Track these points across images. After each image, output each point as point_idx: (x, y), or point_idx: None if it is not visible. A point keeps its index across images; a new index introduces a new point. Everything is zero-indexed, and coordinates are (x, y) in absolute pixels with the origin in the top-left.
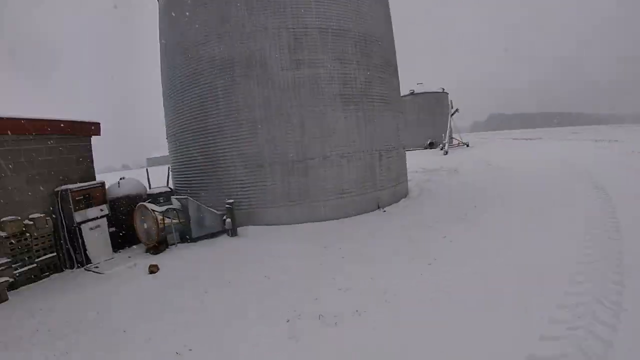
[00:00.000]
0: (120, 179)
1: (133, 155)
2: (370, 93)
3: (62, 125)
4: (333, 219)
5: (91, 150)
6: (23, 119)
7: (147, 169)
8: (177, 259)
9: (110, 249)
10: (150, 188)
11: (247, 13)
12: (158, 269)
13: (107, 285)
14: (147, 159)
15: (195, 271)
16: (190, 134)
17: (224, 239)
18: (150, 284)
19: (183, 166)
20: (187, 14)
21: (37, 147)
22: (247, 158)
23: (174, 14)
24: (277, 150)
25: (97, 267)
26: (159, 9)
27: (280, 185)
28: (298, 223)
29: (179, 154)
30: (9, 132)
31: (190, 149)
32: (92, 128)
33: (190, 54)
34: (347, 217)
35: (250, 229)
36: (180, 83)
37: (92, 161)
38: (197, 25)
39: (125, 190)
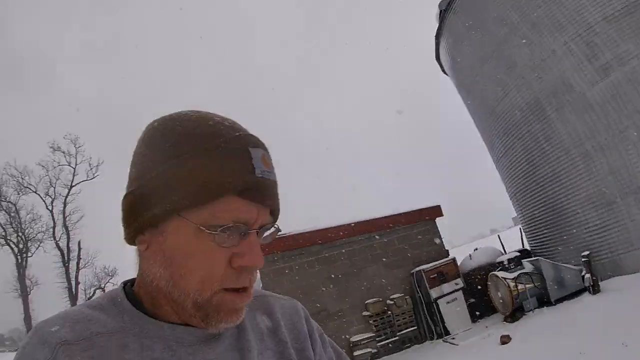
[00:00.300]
0: (474, 249)
1: (496, 217)
2: None
3: (409, 216)
4: None
5: (437, 231)
6: (375, 219)
7: (519, 228)
8: (530, 327)
9: (469, 319)
10: (505, 253)
11: (529, 50)
12: (510, 339)
13: (460, 356)
14: (512, 218)
15: (547, 341)
16: (523, 190)
17: (584, 298)
18: (499, 355)
19: (529, 223)
20: (477, 77)
21: (389, 239)
22: (590, 197)
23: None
24: (624, 179)
25: (454, 338)
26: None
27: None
28: None
29: (523, 211)
30: (362, 232)
31: (530, 205)
32: (434, 211)
33: (496, 110)
34: None
35: (616, 280)
36: (500, 142)
37: (440, 240)
38: (490, 83)
39: (476, 261)
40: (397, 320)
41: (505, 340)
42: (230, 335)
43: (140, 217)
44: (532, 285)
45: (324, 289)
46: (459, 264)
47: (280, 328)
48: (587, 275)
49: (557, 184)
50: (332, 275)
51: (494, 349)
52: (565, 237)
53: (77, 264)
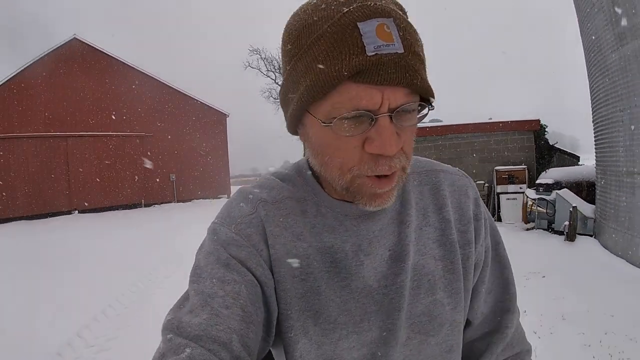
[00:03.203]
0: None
1: None
2: None
3: (508, 125)
4: None
5: (533, 141)
6: (478, 123)
7: None
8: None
9: (519, 217)
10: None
11: None
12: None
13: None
14: None
15: None
16: None
17: (563, 242)
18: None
19: None
20: None
21: (487, 140)
22: None
23: None
24: None
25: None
26: None
27: None
28: None
29: None
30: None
31: None
32: (533, 124)
33: None
34: None
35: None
36: None
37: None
38: None
39: (547, 177)
40: None
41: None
42: (393, 209)
43: (287, 112)
44: (544, 210)
45: None
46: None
47: (446, 206)
48: (566, 223)
49: None
50: (441, 158)
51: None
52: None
53: None
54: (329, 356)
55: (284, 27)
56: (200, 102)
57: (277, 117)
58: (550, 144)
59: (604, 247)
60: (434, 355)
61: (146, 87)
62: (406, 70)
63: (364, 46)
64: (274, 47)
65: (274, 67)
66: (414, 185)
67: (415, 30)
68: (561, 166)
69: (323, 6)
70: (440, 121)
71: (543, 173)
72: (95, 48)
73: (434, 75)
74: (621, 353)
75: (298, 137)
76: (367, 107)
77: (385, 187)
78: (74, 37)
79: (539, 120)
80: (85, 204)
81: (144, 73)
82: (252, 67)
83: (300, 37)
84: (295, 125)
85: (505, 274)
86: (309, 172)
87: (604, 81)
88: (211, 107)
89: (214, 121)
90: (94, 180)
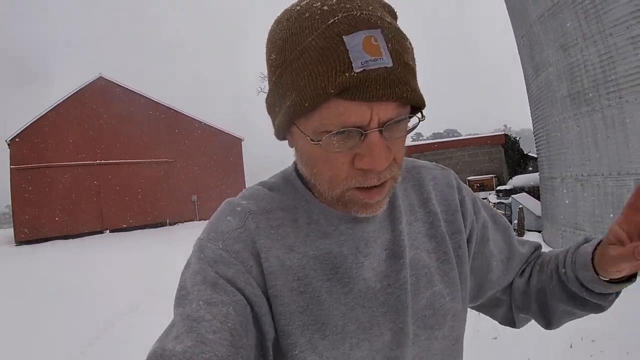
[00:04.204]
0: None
1: None
2: None
3: (478, 140)
4: None
5: (502, 154)
6: (453, 140)
7: None
8: None
9: None
10: None
11: None
12: None
13: None
14: None
15: None
16: None
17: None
18: None
19: None
20: None
21: (461, 154)
22: None
23: None
24: None
25: None
26: None
27: None
28: None
29: None
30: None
31: None
32: (498, 138)
33: None
34: None
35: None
36: None
37: (502, 161)
38: None
39: (512, 184)
40: None
41: None
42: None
43: (274, 121)
44: (503, 212)
45: None
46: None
47: (431, 200)
48: (515, 221)
49: None
50: None
51: None
52: None
53: None
54: None
55: (268, 32)
56: (217, 129)
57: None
58: (525, 153)
59: (544, 240)
60: (442, 349)
61: (168, 118)
62: (395, 85)
63: (351, 62)
64: None
65: None
66: (399, 184)
67: (404, 37)
68: (537, 172)
69: (307, 15)
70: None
71: (510, 180)
72: (119, 85)
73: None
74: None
75: (286, 142)
76: (355, 124)
77: (376, 198)
78: (100, 76)
79: (504, 135)
80: (115, 224)
81: (164, 105)
82: (264, 92)
83: (284, 47)
84: (283, 134)
85: (509, 239)
86: (298, 180)
87: (533, 103)
88: (227, 133)
89: (229, 145)
90: (122, 202)
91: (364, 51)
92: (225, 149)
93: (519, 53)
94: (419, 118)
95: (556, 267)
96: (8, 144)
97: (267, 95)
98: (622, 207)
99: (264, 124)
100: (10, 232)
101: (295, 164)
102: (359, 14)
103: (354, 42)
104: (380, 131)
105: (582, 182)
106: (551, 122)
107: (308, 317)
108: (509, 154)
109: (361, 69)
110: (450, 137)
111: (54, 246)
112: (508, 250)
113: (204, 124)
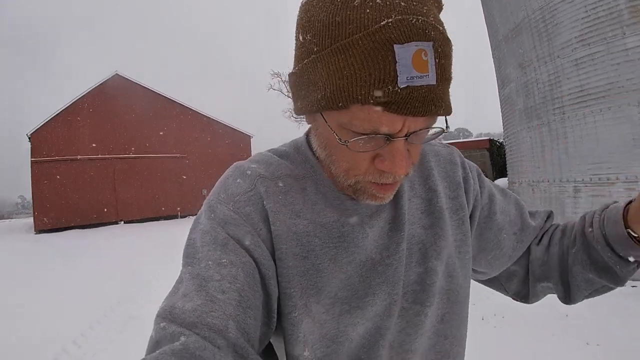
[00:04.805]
0: None
1: None
2: None
3: (465, 144)
4: None
5: (487, 157)
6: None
7: None
8: None
9: None
10: None
11: None
12: None
13: None
14: None
15: None
16: None
17: None
18: None
19: None
20: None
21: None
22: None
23: None
24: None
25: None
26: None
27: None
28: None
29: None
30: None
31: None
32: (483, 142)
33: None
34: None
35: None
36: None
37: (487, 165)
38: None
39: None
40: None
41: None
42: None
43: (296, 102)
44: None
45: None
46: None
47: (432, 177)
48: None
49: None
50: None
51: None
52: None
53: None
54: (333, 335)
55: (304, 5)
56: (227, 125)
57: (299, 134)
58: None
59: None
60: (432, 327)
61: (180, 114)
62: (433, 103)
63: (397, 76)
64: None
65: None
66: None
67: (450, 46)
68: None
69: (356, 3)
70: None
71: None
72: (134, 82)
73: None
74: None
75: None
76: (386, 132)
77: (388, 193)
78: (116, 74)
79: (488, 140)
80: (130, 215)
81: (177, 102)
82: (274, 90)
83: (324, 33)
84: (304, 114)
85: (519, 210)
86: (309, 151)
87: (502, 113)
88: (236, 130)
89: (239, 141)
90: (136, 195)
91: (412, 67)
92: (235, 145)
93: (494, 65)
94: (443, 129)
95: (581, 229)
96: (29, 138)
97: (294, 73)
98: (564, 211)
99: (273, 122)
100: (25, 221)
101: (307, 134)
102: (414, 20)
103: (405, 54)
104: (406, 138)
105: (532, 187)
106: (512, 132)
107: (307, 282)
108: (495, 158)
109: (406, 85)
110: (460, 136)
111: (71, 234)
112: (520, 222)
113: (215, 120)
